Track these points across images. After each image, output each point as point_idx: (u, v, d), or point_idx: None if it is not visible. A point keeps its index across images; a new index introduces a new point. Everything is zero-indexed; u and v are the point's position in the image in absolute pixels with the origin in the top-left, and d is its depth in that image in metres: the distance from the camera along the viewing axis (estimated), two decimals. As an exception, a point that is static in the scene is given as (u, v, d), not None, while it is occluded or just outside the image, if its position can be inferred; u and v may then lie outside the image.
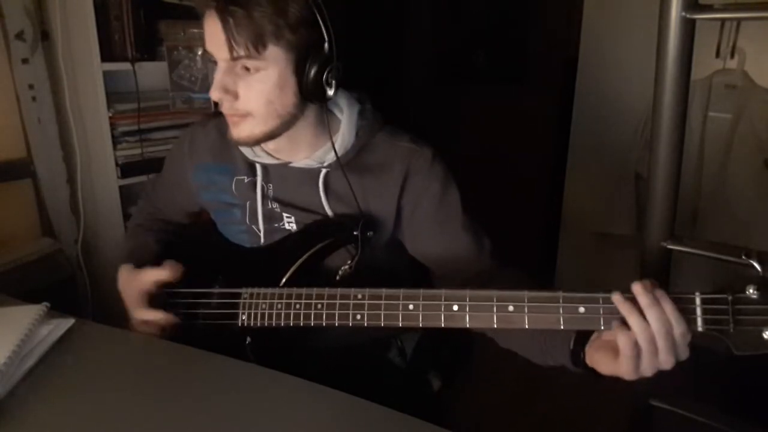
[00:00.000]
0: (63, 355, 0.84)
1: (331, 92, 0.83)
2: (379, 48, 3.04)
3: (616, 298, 0.66)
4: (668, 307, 0.64)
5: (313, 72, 0.80)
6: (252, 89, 0.80)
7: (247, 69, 0.79)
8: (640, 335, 0.64)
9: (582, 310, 0.68)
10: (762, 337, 0.62)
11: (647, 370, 0.65)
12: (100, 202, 1.73)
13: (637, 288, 0.65)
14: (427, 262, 0.94)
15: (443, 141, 1.05)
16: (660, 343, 0.64)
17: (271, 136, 0.85)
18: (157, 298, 0.94)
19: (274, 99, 0.81)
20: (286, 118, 0.84)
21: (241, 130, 0.83)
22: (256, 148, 0.93)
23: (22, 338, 0.80)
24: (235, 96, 0.80)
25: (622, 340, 0.64)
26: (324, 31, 0.79)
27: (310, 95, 0.83)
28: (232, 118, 0.83)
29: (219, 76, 0.79)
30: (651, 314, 0.64)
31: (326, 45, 0.80)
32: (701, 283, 0.68)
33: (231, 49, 0.76)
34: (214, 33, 0.77)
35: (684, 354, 0.65)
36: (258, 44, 0.76)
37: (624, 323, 0.65)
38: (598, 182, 2.34)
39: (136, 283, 0.94)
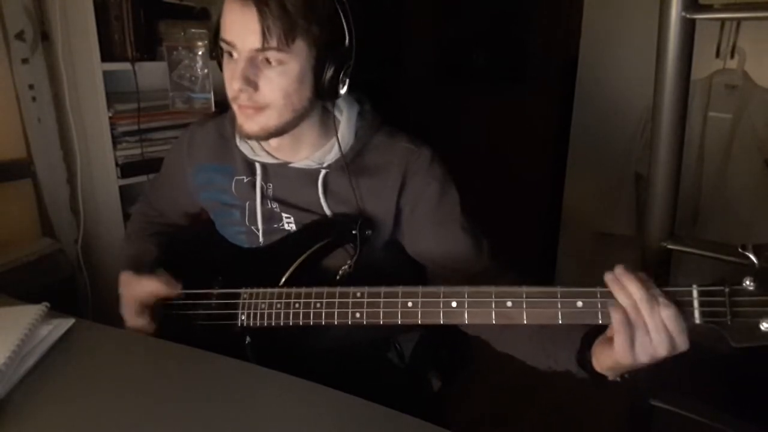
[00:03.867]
0: (63, 355, 0.84)
1: (343, 90, 0.84)
2: (378, 48, 3.04)
3: (608, 276, 0.67)
4: (649, 287, 0.65)
5: (332, 69, 0.82)
6: (273, 82, 0.80)
7: (269, 61, 0.79)
8: (630, 309, 0.65)
9: (580, 304, 0.68)
10: (760, 329, 0.62)
11: (641, 351, 0.65)
12: (100, 202, 1.73)
13: (618, 268, 0.66)
14: (425, 262, 0.94)
15: (443, 141, 1.05)
16: (648, 321, 0.64)
17: (282, 130, 0.85)
18: (151, 308, 0.95)
19: (292, 93, 0.81)
20: (300, 112, 0.84)
21: (255, 123, 0.83)
22: (256, 147, 0.93)
23: (22, 338, 0.80)
24: (255, 87, 0.80)
25: (614, 316, 0.65)
26: (346, 29, 0.81)
27: (325, 92, 0.84)
28: (246, 110, 0.82)
29: (241, 67, 0.79)
30: (632, 287, 0.65)
31: (346, 43, 0.82)
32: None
33: (264, 39, 0.76)
34: (245, 21, 0.76)
35: (681, 343, 0.65)
36: (288, 37, 0.77)
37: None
38: (598, 182, 2.34)
39: (133, 290, 0.94)
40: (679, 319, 0.64)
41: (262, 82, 0.80)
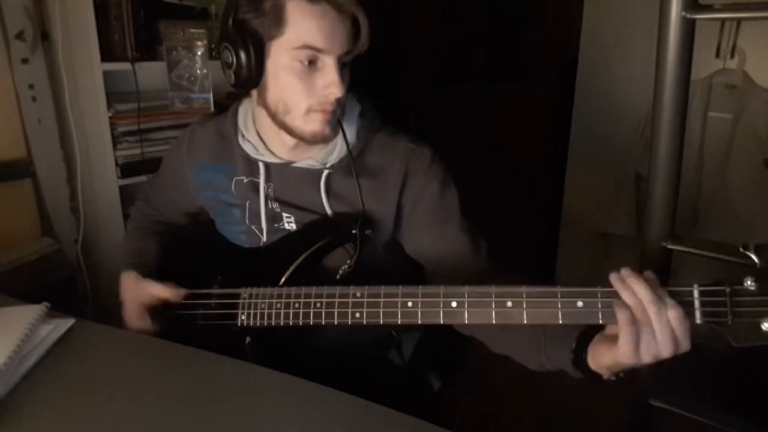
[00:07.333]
0: (63, 355, 0.84)
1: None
2: (379, 48, 3.04)
3: (613, 275, 0.66)
4: (655, 287, 0.65)
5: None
6: (346, 83, 0.84)
7: (344, 64, 0.83)
8: (635, 309, 0.64)
9: (580, 304, 0.68)
10: (760, 329, 0.62)
11: (645, 352, 0.64)
12: (100, 202, 1.73)
13: (624, 270, 0.66)
14: (424, 262, 0.94)
15: (444, 141, 1.05)
16: (655, 322, 0.63)
17: None
18: (155, 311, 0.95)
19: (345, 92, 0.85)
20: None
21: (329, 125, 0.85)
22: (260, 146, 0.93)
23: (22, 338, 0.80)
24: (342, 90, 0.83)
25: (620, 315, 0.64)
26: (368, 27, 0.84)
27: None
28: (327, 113, 0.84)
29: (339, 71, 0.81)
30: (638, 288, 0.64)
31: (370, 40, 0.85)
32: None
33: (351, 42, 0.81)
34: (335, 26, 0.80)
35: (684, 345, 0.64)
36: (356, 37, 0.82)
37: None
38: (598, 182, 2.34)
39: (137, 293, 0.95)
40: (684, 321, 0.64)
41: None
